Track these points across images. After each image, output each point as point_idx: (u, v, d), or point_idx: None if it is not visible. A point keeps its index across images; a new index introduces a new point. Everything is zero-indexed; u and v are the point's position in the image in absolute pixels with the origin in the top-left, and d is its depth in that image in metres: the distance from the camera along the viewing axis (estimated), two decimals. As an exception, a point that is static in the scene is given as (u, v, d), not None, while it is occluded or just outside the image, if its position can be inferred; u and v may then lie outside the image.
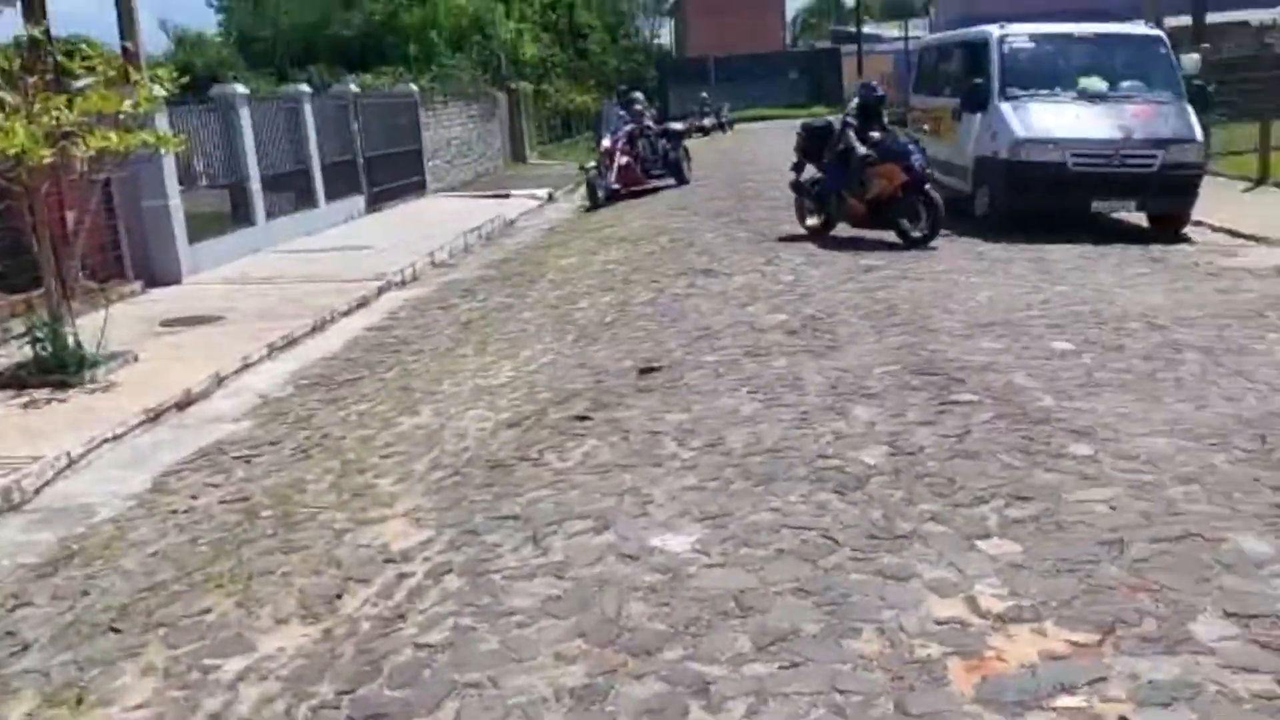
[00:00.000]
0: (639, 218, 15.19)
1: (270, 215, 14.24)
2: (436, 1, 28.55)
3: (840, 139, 11.62)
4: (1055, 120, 11.38)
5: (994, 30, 12.40)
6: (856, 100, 11.82)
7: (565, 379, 6.88)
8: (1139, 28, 12.89)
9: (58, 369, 7.57)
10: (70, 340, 7.71)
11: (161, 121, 10.06)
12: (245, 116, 13.58)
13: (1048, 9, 32.92)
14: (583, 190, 18.32)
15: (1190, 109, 11.54)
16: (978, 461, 4.78)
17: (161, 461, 6.09)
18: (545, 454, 5.43)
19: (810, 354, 6.94)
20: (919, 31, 53.13)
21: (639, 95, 21.05)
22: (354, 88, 18.34)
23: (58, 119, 7.44)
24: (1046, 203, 11.39)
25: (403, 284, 11.77)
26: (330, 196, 16.29)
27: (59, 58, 7.72)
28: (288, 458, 5.90)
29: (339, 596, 3.96)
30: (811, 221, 12.20)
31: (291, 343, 9.05)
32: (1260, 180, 14.04)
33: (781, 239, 12.12)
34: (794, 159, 12.61)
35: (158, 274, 11.67)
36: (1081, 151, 10.98)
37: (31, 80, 7.51)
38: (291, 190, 15.11)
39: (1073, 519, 4.12)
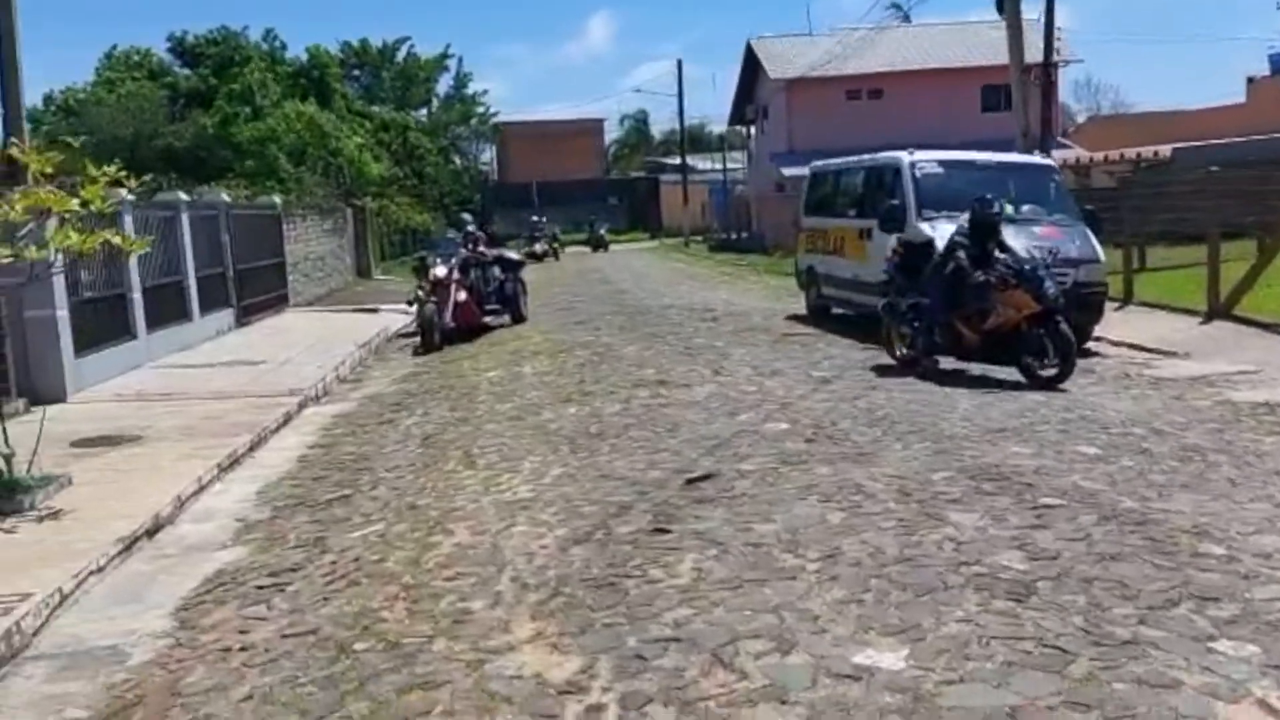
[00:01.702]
0: (513, 340, 14.85)
1: (150, 328, 13.25)
2: (278, 116, 27.84)
3: (949, 258, 10.12)
4: (972, 239, 11.80)
5: (904, 156, 12.94)
6: (967, 216, 10.31)
7: (599, 492, 6.50)
8: (1034, 158, 13.73)
9: (-14, 494, 6.66)
10: (-1, 464, 6.82)
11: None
12: (129, 223, 12.67)
13: (859, 145, 35.29)
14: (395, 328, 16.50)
15: (1090, 232, 12.25)
16: (1129, 564, 4.69)
17: (165, 595, 5.37)
18: (648, 570, 5.04)
19: (849, 461, 6.81)
20: (735, 165, 55.59)
21: (467, 216, 19.67)
22: (225, 197, 17.48)
23: (5, 215, 6.71)
24: (969, 317, 11.73)
25: (318, 399, 11.07)
26: (203, 309, 15.35)
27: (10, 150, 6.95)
28: (328, 585, 5.28)
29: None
30: (906, 351, 10.73)
31: (235, 462, 8.31)
32: (1126, 300, 14.99)
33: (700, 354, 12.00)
34: (884, 277, 11.23)
35: (40, 390, 10.60)
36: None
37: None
38: (166, 303, 14.15)
39: (1276, 617, 4.04)
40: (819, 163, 16.37)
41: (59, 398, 10.62)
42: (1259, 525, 5.24)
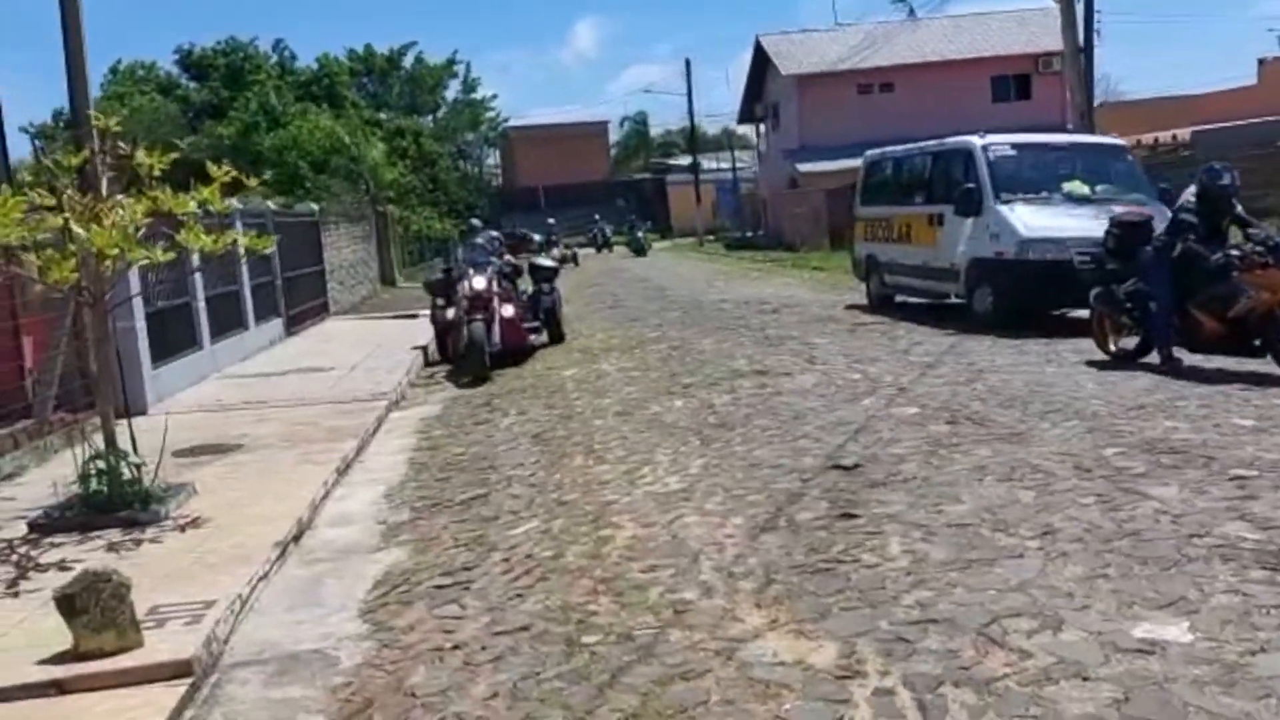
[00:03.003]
0: (576, 343, 14.39)
1: (213, 338, 13.11)
2: (299, 124, 27.70)
3: (1175, 239, 8.87)
4: (1054, 221, 11.77)
5: (976, 140, 12.84)
6: (1194, 189, 8.99)
7: (755, 481, 6.37)
8: (1104, 138, 13.62)
9: (120, 506, 6.52)
10: (128, 472, 6.68)
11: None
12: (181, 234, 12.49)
13: (871, 139, 35.22)
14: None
15: (1168, 209, 12.13)
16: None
17: (341, 598, 5.22)
18: (857, 554, 4.90)
19: (1004, 442, 6.69)
20: (744, 163, 55.50)
21: (477, 222, 18.13)
22: (271, 205, 17.33)
23: (132, 219, 6.56)
24: (1053, 299, 11.68)
25: (398, 403, 10.93)
26: (257, 319, 15.21)
27: (131, 152, 6.81)
28: (515, 582, 5.14)
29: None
30: (1124, 343, 9.59)
31: (348, 466, 8.17)
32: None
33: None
34: (1090, 262, 10.05)
35: (125, 403, 10.41)
36: (1085, 250, 11.29)
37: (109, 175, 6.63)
38: (225, 313, 14.01)
39: None
40: (874, 151, 16.25)
41: (140, 410, 10.47)
42: None
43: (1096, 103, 42.04)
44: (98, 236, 6.06)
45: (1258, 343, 8.32)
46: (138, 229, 6.56)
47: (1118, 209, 11.81)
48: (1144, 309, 9.14)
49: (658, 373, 10.88)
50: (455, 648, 4.45)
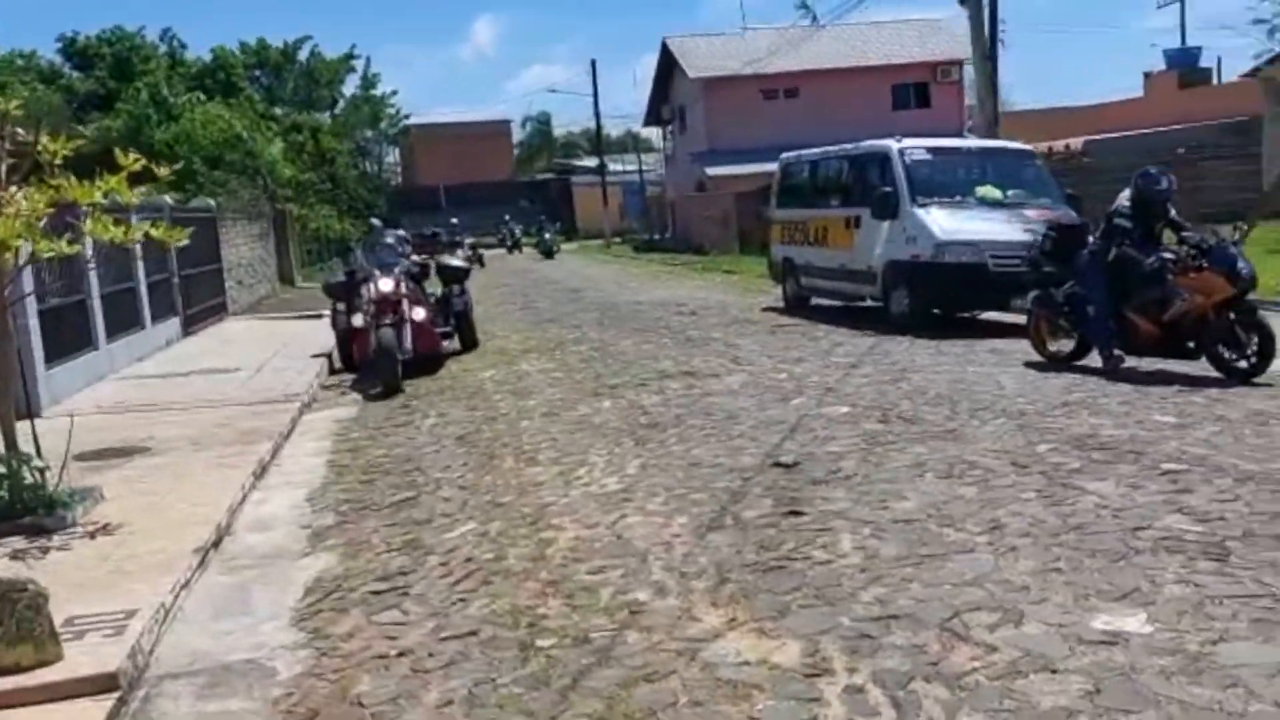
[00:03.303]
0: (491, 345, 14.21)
1: (108, 337, 12.58)
2: (193, 116, 26.85)
3: (1110, 242, 8.86)
4: (969, 224, 11.97)
5: (893, 144, 12.99)
6: (1128, 193, 8.92)
7: (696, 480, 6.31)
8: (1012, 143, 13.90)
9: (23, 512, 6.18)
10: (31, 476, 6.34)
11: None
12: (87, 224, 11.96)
13: (777, 144, 35.60)
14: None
15: (1074, 213, 12.44)
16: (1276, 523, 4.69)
17: (271, 606, 5.00)
18: (809, 552, 4.87)
19: (939, 439, 6.75)
20: (648, 166, 55.58)
21: (377, 222, 16.88)
22: (169, 199, 16.71)
23: (34, 208, 6.23)
24: (969, 301, 11.88)
25: (310, 405, 10.61)
26: (153, 318, 14.66)
27: (34, 138, 6.45)
28: (456, 586, 4.99)
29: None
30: (1058, 346, 9.57)
31: (264, 469, 7.90)
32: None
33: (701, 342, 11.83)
34: (1007, 266, 10.23)
35: (18, 405, 9.91)
36: (999, 253, 11.55)
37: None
38: (121, 311, 13.46)
39: None
40: (790, 154, 16.35)
41: (35, 412, 9.91)
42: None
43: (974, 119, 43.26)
44: (3, 227, 5.71)
45: (1192, 345, 8.44)
46: (39, 220, 6.22)
47: (1029, 212, 12.09)
48: (1081, 312, 9.17)
49: (581, 374, 10.76)
50: (400, 655, 4.28)
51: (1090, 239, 9.34)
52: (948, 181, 12.61)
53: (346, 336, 11.83)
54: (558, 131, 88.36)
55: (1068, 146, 31.24)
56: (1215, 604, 3.89)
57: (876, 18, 43.58)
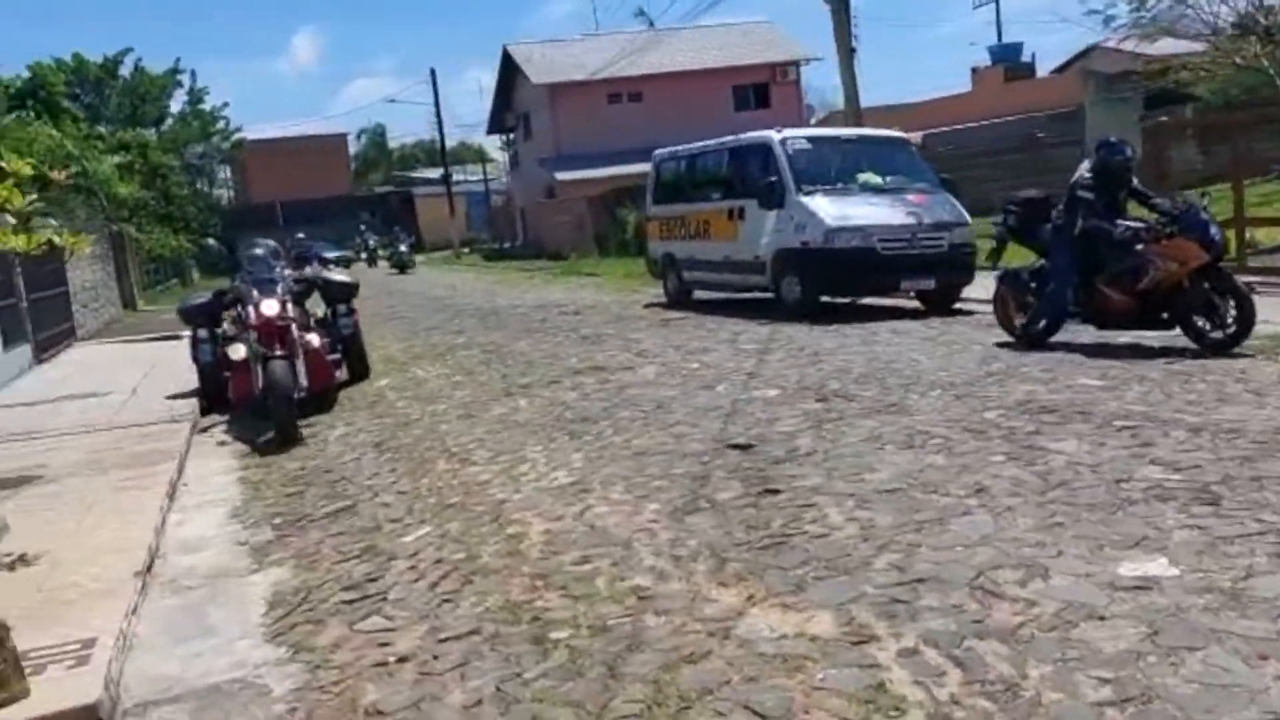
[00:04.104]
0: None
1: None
2: (19, 136, 25.24)
3: (1074, 214, 8.65)
4: (855, 210, 12.21)
5: (774, 135, 13.16)
6: (1088, 164, 8.81)
7: (654, 468, 6.20)
8: (888, 132, 14.25)
9: (-78, 546, 5.67)
10: (-72, 509, 5.82)
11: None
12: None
13: (624, 146, 35.84)
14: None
15: (952, 197, 12.85)
16: (1271, 462, 4.87)
17: (235, 625, 4.68)
18: (802, 526, 4.82)
19: (885, 413, 6.82)
20: (492, 174, 55.11)
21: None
22: (9, 219, 15.60)
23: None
24: (860, 285, 12.13)
25: (197, 426, 10.05)
26: (5, 345, 13.70)
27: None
28: (435, 588, 4.76)
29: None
30: (1027, 325, 9.24)
31: (174, 490, 7.45)
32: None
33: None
34: (992, 243, 9.95)
35: (-127, 441, 9.16)
36: (887, 237, 11.83)
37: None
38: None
39: None
40: (663, 150, 16.38)
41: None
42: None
43: (825, 113, 44.47)
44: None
45: (1166, 316, 8.31)
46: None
47: (910, 197, 12.42)
48: (1054, 286, 8.92)
49: (484, 376, 10.52)
50: (401, 660, 4.04)
51: (1053, 213, 9.14)
52: (829, 170, 12.84)
53: (216, 371, 9.76)
54: (393, 144, 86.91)
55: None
56: (1227, 544, 4.00)
57: (710, 23, 44.19)
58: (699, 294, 15.22)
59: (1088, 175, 8.70)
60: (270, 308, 8.94)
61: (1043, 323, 9.04)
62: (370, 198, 62.43)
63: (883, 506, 4.93)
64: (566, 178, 37.55)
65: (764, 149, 13.21)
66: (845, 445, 6.14)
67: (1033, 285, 9.20)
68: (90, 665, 4.12)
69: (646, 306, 15.82)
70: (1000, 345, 9.16)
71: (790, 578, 4.23)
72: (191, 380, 10.30)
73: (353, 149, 76.38)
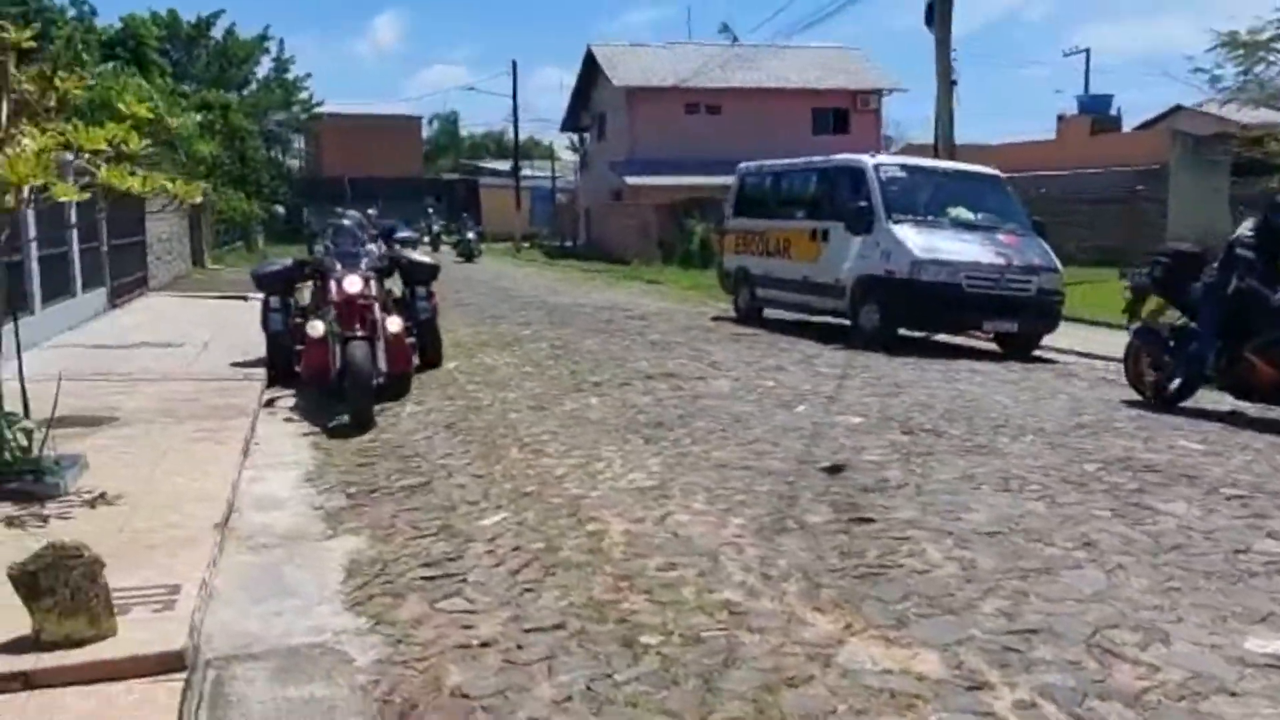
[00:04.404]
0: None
1: (43, 303, 11.84)
2: (110, 84, 25.61)
3: (1230, 274, 8.00)
4: (945, 244, 12.01)
5: (867, 159, 12.98)
6: (1251, 223, 8.13)
7: (736, 482, 6.09)
8: (983, 168, 14.02)
9: (10, 477, 5.67)
10: (16, 438, 5.83)
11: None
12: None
13: (697, 158, 35.74)
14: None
15: (1043, 241, 12.61)
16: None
17: (313, 589, 4.62)
18: (899, 560, 4.69)
19: (974, 454, 6.66)
20: (542, 172, 55.21)
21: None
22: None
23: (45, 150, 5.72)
24: (942, 321, 11.92)
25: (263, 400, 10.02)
26: (83, 287, 13.86)
27: (51, 74, 5.93)
28: (515, 575, 4.68)
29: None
30: (1160, 383, 8.65)
31: (248, 447, 7.43)
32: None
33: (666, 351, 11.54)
34: (1128, 295, 9.28)
35: (-48, 364, 9.18)
36: (974, 274, 11.63)
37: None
38: (54, 276, 12.68)
39: None
40: (749, 164, 16.24)
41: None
42: None
43: (903, 145, 44.13)
44: (18, 165, 5.18)
45: None
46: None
47: (1000, 236, 12.20)
48: (1195, 348, 8.25)
49: (554, 370, 10.45)
50: (484, 645, 3.95)
51: (1205, 269, 8.49)
52: (921, 200, 12.65)
53: (289, 344, 9.32)
54: (462, 132, 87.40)
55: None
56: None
57: (796, 44, 43.97)
58: (769, 312, 15.04)
59: (1250, 234, 8.05)
60: (353, 284, 8.44)
61: (1177, 383, 8.45)
62: (437, 182, 62.70)
63: (984, 549, 4.77)
64: (636, 182, 37.46)
65: (856, 172, 13.04)
66: (937, 481, 5.98)
67: (1171, 343, 8.59)
68: (175, 611, 4.08)
69: (714, 319, 15.70)
70: (1101, 397, 8.95)
71: (890, 611, 4.09)
72: (260, 344, 9.88)
73: (424, 133, 76.87)
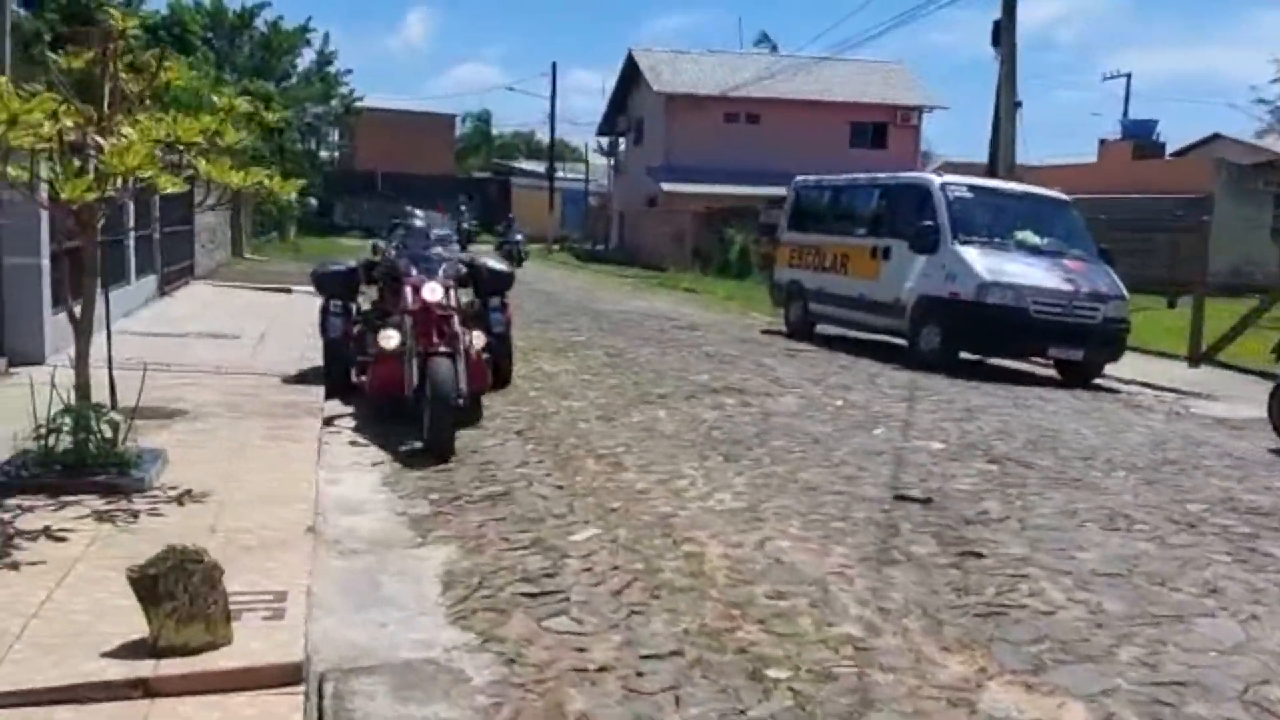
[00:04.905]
0: None
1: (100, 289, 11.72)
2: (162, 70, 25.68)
3: None
4: (1012, 267, 11.84)
5: (934, 178, 12.84)
6: None
7: (830, 507, 5.96)
8: (1050, 191, 13.84)
9: (95, 469, 5.57)
10: (102, 429, 5.75)
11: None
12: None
13: (735, 167, 35.63)
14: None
15: (1110, 268, 12.43)
16: None
17: (411, 599, 4.50)
18: (1020, 599, 4.54)
19: (1071, 487, 6.51)
20: (577, 176, 55.16)
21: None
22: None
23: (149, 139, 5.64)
24: (1006, 345, 11.75)
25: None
26: (136, 274, 13.83)
27: (156, 62, 5.88)
28: (618, 596, 4.56)
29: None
30: None
31: (319, 447, 7.32)
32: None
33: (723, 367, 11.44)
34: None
35: (16, 350, 9.19)
36: (1041, 299, 11.46)
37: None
38: (112, 262, 12.60)
39: None
40: (805, 177, 16.10)
41: (36, 359, 9.22)
42: None
43: (940, 162, 43.86)
44: (130, 154, 5.10)
45: None
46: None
47: (1067, 262, 12.02)
48: None
49: (613, 379, 10.32)
50: (601, 669, 3.82)
51: None
52: (987, 222, 12.48)
53: (348, 353, 8.68)
54: (494, 131, 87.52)
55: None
56: None
57: (838, 57, 43.77)
58: (821, 328, 14.88)
59: None
60: (434, 292, 7.51)
61: None
62: (470, 181, 62.72)
63: (1107, 591, 4.62)
64: (672, 189, 37.35)
65: (923, 191, 12.88)
66: (1040, 516, 5.83)
67: None
68: (285, 621, 3.98)
69: (764, 332, 15.57)
70: (1180, 432, 8.77)
71: (1024, 654, 3.95)
72: (314, 342, 9.29)
73: (459, 131, 77.04)
